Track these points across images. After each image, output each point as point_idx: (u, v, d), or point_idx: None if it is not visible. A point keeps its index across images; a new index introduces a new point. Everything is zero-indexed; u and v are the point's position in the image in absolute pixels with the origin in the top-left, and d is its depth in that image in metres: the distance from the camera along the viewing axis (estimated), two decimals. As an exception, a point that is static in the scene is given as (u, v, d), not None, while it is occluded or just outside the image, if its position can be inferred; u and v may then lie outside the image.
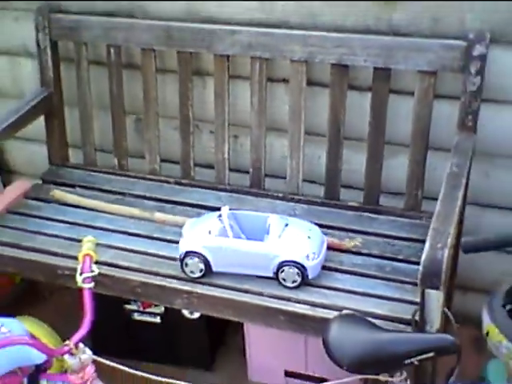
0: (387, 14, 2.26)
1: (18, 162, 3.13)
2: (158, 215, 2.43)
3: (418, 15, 2.23)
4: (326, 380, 2.28)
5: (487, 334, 1.60)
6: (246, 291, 2.09)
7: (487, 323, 1.60)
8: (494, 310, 1.60)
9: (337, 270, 2.15)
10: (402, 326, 1.90)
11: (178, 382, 1.89)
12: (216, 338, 2.60)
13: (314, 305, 2.02)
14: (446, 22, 2.20)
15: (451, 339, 1.55)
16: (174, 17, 2.52)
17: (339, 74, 2.34)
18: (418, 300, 1.84)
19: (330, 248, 2.19)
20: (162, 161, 2.68)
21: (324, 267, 2.13)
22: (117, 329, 2.49)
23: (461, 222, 2.27)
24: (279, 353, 2.40)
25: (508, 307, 1.62)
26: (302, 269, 2.04)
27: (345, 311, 1.84)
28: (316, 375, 2.36)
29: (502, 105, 2.27)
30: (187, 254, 2.11)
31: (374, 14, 2.28)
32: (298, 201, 2.48)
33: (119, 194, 2.60)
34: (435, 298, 1.78)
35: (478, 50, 2.12)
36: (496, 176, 2.40)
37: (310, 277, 2.07)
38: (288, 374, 2.45)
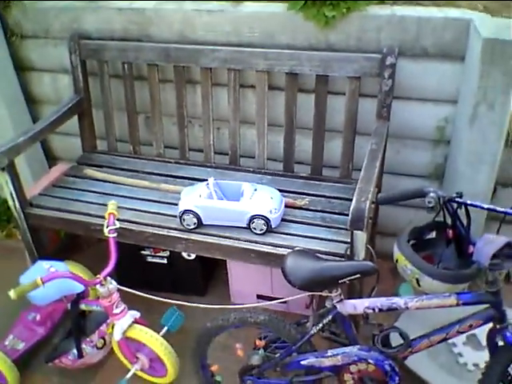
0: (324, 35, 2.25)
1: (59, 150, 3.07)
2: (163, 186, 2.42)
3: (346, 36, 2.22)
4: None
5: (397, 260, 1.60)
6: (227, 237, 2.10)
7: (396, 253, 1.60)
8: (401, 244, 1.59)
9: (292, 221, 2.16)
10: (337, 259, 1.93)
11: (179, 302, 1.91)
12: (207, 273, 2.60)
13: (275, 245, 2.04)
14: (367, 40, 2.19)
15: (371, 265, 1.57)
16: (170, 40, 2.47)
17: (291, 81, 2.32)
18: (349, 240, 1.86)
19: (287, 206, 2.20)
20: (165, 147, 2.65)
21: (283, 219, 2.14)
22: (135, 269, 2.48)
23: (379, 185, 2.30)
24: (252, 281, 2.40)
25: (411, 242, 1.63)
26: (266, 220, 2.06)
27: (296, 248, 1.86)
28: (279, 297, 2.37)
29: (408, 100, 2.27)
30: (184, 212, 2.12)
31: (315, 35, 2.26)
32: (264, 173, 2.46)
33: (134, 171, 2.57)
34: (360, 237, 1.81)
35: (389, 60, 2.12)
36: (405, 153, 2.41)
37: (272, 226, 2.08)
38: (259, 296, 2.45)
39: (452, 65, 2.14)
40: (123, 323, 1.96)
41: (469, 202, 1.50)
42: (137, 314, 2.02)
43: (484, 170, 2.06)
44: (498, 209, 1.46)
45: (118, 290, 1.93)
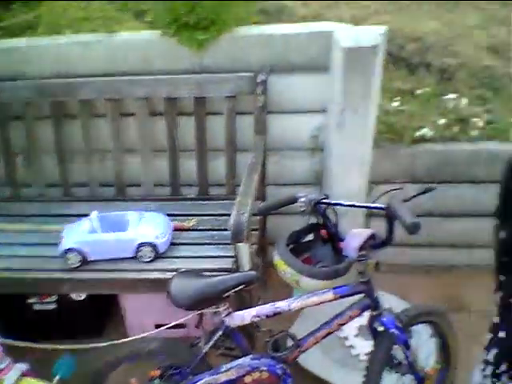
0: (199, 58, 2.33)
1: None
2: (44, 227, 2.33)
3: (219, 57, 2.32)
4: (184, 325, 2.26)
5: (276, 265, 1.64)
6: (114, 270, 2.06)
7: (276, 259, 1.64)
8: (280, 249, 1.64)
9: (181, 244, 2.16)
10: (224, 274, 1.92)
11: (68, 346, 1.83)
12: (102, 310, 2.50)
13: (165, 270, 2.02)
14: (239, 60, 2.31)
15: (254, 274, 1.61)
16: (47, 76, 2.41)
17: (170, 105, 2.37)
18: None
19: (176, 229, 2.21)
20: (47, 186, 2.56)
21: (172, 243, 2.14)
22: (23, 319, 2.34)
23: (262, 197, 2.37)
24: (149, 312, 2.33)
25: (289, 247, 1.67)
26: (154, 246, 2.05)
27: (181, 270, 1.86)
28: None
29: (282, 114, 2.40)
30: (67, 250, 2.05)
31: (189, 59, 2.33)
32: (152, 200, 2.47)
33: (14, 216, 2.44)
34: (244, 249, 1.85)
35: (260, 77, 2.25)
36: (285, 163, 2.52)
37: (160, 251, 2.08)
38: (158, 326, 2.27)
39: (319, 76, 2.30)
40: (10, 378, 1.85)
41: (333, 201, 1.61)
42: (24, 367, 1.90)
43: (355, 170, 2.20)
44: (357, 204, 1.57)
45: (1, 344, 1.81)
